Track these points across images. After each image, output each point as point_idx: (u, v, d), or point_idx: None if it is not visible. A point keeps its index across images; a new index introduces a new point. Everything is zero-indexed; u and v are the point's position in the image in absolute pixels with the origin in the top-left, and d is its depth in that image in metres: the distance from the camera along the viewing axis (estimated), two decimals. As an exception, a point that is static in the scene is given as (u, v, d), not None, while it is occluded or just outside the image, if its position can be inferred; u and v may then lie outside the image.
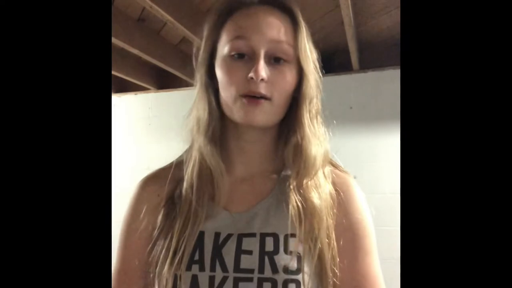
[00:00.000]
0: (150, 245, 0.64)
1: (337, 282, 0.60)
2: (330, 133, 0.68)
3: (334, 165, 0.70)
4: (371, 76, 2.20)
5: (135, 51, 1.86)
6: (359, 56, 2.10)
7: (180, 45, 2.17)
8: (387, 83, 2.14)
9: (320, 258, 0.60)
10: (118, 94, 2.65)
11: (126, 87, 2.64)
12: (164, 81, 2.57)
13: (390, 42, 2.07)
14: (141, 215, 0.67)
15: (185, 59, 2.21)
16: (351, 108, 2.21)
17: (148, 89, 2.57)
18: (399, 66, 0.48)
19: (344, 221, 0.63)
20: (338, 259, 0.61)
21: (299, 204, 0.61)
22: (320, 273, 0.60)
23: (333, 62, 2.18)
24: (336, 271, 0.61)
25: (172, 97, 2.54)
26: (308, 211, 0.61)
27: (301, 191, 0.62)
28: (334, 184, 0.66)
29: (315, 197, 0.61)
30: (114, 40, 1.69)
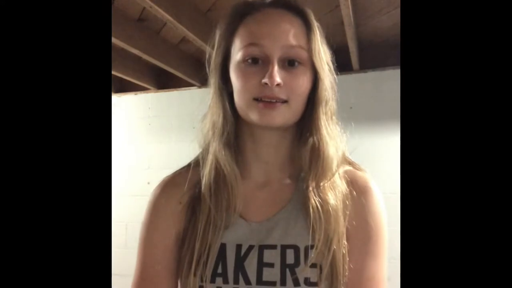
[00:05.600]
0: (175, 254, 0.65)
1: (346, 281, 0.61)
2: (347, 134, 0.68)
3: (351, 164, 0.70)
4: (371, 76, 2.20)
5: (135, 51, 1.86)
6: (359, 56, 2.09)
7: (180, 45, 2.16)
8: (387, 83, 2.14)
9: (333, 259, 0.60)
10: (118, 94, 2.65)
11: (126, 87, 2.63)
12: (164, 81, 2.56)
13: (390, 42, 2.06)
14: (163, 226, 0.66)
15: (185, 59, 2.21)
16: (351, 108, 2.20)
17: (148, 89, 2.57)
18: (399, 66, 0.48)
19: (357, 222, 0.63)
20: (347, 259, 0.61)
21: (318, 206, 0.61)
22: (332, 273, 0.60)
23: (333, 62, 2.17)
24: (346, 271, 0.61)
25: (172, 97, 2.53)
26: (325, 213, 0.61)
27: (319, 192, 0.62)
28: (351, 185, 0.65)
29: (331, 198, 0.61)
30: (114, 40, 1.69)
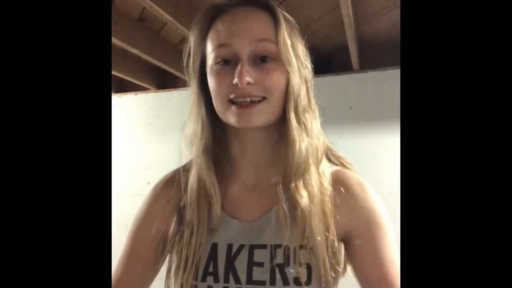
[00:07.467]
0: (165, 254, 0.67)
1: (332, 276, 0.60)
2: (331, 134, 0.68)
3: (338, 158, 0.69)
4: (371, 76, 2.20)
5: (135, 51, 1.86)
6: (359, 56, 2.09)
7: (180, 45, 2.17)
8: (387, 83, 2.14)
9: (315, 257, 0.59)
10: (118, 94, 2.65)
11: (126, 87, 2.63)
12: (164, 81, 2.57)
13: (390, 42, 2.06)
14: (151, 223, 0.68)
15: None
16: (351, 108, 2.20)
17: (148, 89, 2.57)
18: (399, 66, 0.48)
19: (358, 220, 0.62)
20: (360, 253, 0.61)
21: (284, 206, 0.60)
22: (317, 270, 0.59)
23: (333, 62, 2.18)
24: (338, 268, 0.62)
25: (172, 97, 2.53)
26: (297, 213, 0.60)
27: (289, 191, 0.61)
28: (342, 185, 0.64)
29: (304, 197, 0.60)
30: (114, 40, 1.69)
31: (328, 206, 0.62)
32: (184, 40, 2.06)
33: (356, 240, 0.62)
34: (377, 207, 0.64)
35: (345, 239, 0.64)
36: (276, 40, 0.61)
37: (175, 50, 2.17)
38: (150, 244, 0.67)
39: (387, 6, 1.74)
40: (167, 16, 1.49)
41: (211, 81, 0.63)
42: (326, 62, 2.17)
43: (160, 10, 1.44)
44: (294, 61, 0.62)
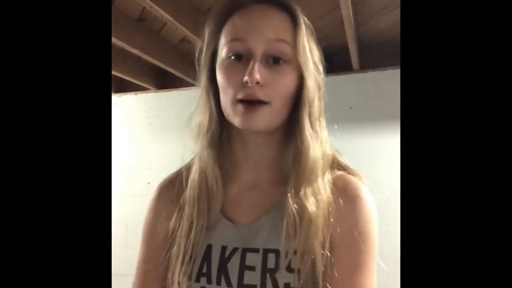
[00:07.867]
0: (164, 252, 0.66)
1: None
2: (331, 134, 0.67)
3: (345, 168, 0.66)
4: (371, 76, 2.20)
5: (135, 51, 1.86)
6: (359, 56, 2.09)
7: (180, 45, 2.17)
8: (387, 83, 2.14)
9: (313, 269, 0.58)
10: (118, 94, 2.65)
11: (126, 87, 2.64)
12: (164, 81, 2.57)
13: (390, 42, 2.07)
14: (158, 225, 0.68)
15: (185, 59, 2.21)
16: (351, 108, 2.21)
17: (148, 89, 2.57)
18: (399, 66, 0.48)
19: (344, 232, 0.59)
20: (334, 271, 0.58)
21: (295, 212, 0.59)
22: (312, 279, 0.58)
23: (333, 62, 2.18)
24: (327, 284, 0.58)
25: (172, 97, 2.54)
26: (304, 220, 0.58)
27: (299, 198, 0.59)
28: (340, 192, 0.61)
29: (312, 205, 0.59)
30: (114, 40, 1.69)
31: (329, 218, 0.60)
32: (184, 40, 2.07)
33: (334, 256, 0.59)
34: (369, 230, 0.60)
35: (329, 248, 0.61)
36: (293, 42, 0.60)
37: (175, 50, 2.17)
38: (163, 247, 0.67)
39: (387, 6, 1.74)
40: (167, 16, 1.49)
41: (220, 76, 0.61)
42: (326, 62, 2.17)
43: (160, 10, 1.44)
44: (311, 65, 0.61)
